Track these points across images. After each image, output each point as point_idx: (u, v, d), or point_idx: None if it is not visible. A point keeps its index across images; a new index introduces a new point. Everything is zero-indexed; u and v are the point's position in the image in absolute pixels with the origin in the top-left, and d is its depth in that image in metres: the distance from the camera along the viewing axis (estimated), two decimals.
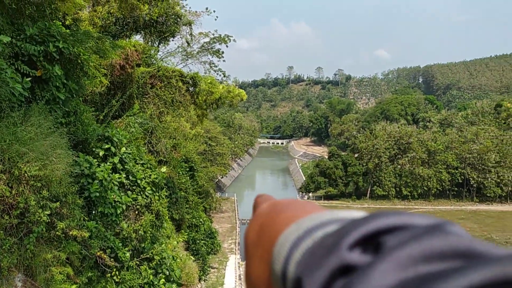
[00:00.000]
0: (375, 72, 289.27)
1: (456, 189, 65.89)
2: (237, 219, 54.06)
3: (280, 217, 0.40)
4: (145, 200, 12.86)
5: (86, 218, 10.43)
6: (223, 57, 24.54)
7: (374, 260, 0.26)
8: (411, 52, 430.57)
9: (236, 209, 58.80)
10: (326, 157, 78.17)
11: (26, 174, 8.29)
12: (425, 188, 63.93)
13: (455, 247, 0.25)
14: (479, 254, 0.25)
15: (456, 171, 64.54)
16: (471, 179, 63.79)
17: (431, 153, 65.66)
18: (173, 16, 20.40)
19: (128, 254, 11.85)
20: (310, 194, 67.14)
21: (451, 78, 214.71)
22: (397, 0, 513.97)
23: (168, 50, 23.08)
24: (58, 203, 9.24)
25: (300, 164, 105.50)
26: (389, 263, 0.25)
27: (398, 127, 73.02)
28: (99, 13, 16.81)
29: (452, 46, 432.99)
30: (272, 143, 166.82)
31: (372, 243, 0.29)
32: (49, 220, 8.92)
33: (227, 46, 24.68)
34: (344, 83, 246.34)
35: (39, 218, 8.58)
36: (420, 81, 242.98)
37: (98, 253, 10.75)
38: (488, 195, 63.59)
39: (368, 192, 65.98)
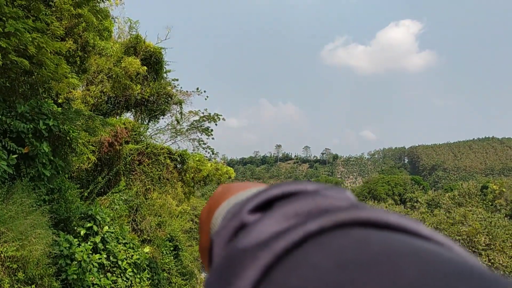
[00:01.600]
0: (362, 152, 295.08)
1: None
2: None
3: (223, 197, 0.48)
4: (125, 282, 12.26)
5: None
6: (212, 135, 24.87)
7: (259, 218, 0.34)
8: (395, 133, 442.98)
9: None
10: None
11: (2, 255, 7.92)
12: None
13: (318, 206, 0.33)
14: (332, 209, 0.32)
15: None
16: None
17: None
18: (164, 95, 20.91)
19: None
20: None
21: (436, 159, 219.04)
22: (380, 85, 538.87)
23: (157, 127, 23.40)
24: (33, 286, 8.76)
25: None
26: (268, 220, 0.32)
27: (386, 207, 72.68)
28: (92, 92, 17.16)
29: (435, 128, 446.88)
30: None
31: (269, 208, 0.35)
32: None
33: (216, 124, 25.12)
34: (331, 162, 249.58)
35: None
36: (405, 162, 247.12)
37: None
38: None
39: None
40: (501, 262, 62.13)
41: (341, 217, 0.30)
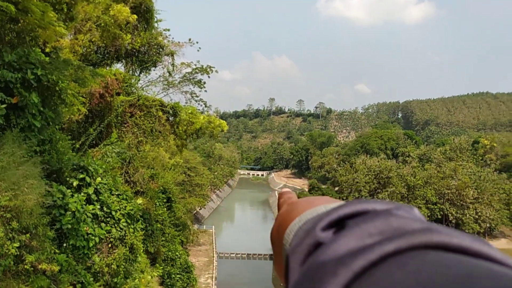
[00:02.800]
0: (356, 106, 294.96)
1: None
2: (214, 252, 52.98)
3: (291, 214, 0.50)
4: (119, 232, 12.45)
5: (56, 251, 10.00)
6: (204, 87, 24.57)
7: (334, 237, 0.36)
8: (390, 87, 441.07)
9: (214, 242, 57.71)
10: (307, 189, 78.11)
11: None
12: None
13: (392, 226, 0.35)
14: (407, 231, 0.34)
15: (435, 207, 65.03)
16: (450, 215, 64.27)
17: (410, 188, 66.16)
18: (155, 46, 20.44)
19: None
20: None
21: (430, 114, 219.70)
22: (376, 38, 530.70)
23: (149, 79, 23.03)
24: (27, 235, 8.85)
25: None
26: (344, 238, 0.35)
27: (378, 161, 73.55)
28: (81, 41, 16.70)
29: (430, 83, 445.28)
30: (253, 174, 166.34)
31: (341, 226, 0.38)
32: (18, 253, 8.52)
33: (209, 76, 24.76)
34: (325, 116, 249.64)
35: (7, 251, 8.19)
36: (399, 116, 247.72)
37: None
38: (467, 231, 63.59)
39: None
40: (488, 215, 63.96)
41: (417, 240, 0.32)
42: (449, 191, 65.22)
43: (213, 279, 41.95)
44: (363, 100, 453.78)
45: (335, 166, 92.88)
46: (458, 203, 64.73)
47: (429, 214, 64.32)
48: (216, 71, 25.44)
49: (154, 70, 22.39)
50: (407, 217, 0.37)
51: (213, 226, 65.20)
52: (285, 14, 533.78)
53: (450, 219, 64.51)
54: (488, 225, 64.39)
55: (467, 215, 63.59)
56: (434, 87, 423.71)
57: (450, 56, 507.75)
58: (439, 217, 65.02)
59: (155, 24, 20.27)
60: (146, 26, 19.25)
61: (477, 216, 64.00)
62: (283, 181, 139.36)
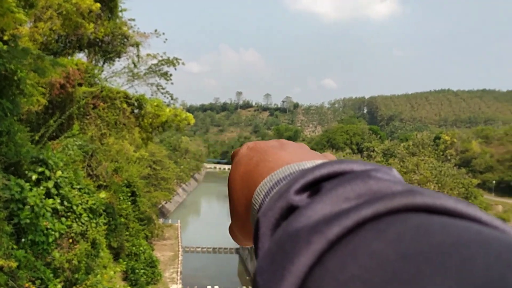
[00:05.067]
0: (322, 101, 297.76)
1: None
2: (180, 246, 52.62)
3: (260, 166, 0.47)
4: (81, 227, 12.10)
5: (14, 247, 9.65)
6: (171, 79, 24.20)
7: (310, 201, 0.32)
8: (356, 82, 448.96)
9: (179, 236, 57.25)
10: None
11: None
12: None
13: (370, 189, 0.31)
14: (386, 193, 0.30)
15: None
16: None
17: None
18: (119, 36, 19.93)
19: (59, 286, 11.02)
20: None
21: (394, 110, 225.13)
22: (343, 33, 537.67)
23: (113, 70, 22.44)
24: None
25: None
26: (320, 203, 0.31)
27: (344, 156, 74.80)
28: (41, 30, 16.05)
29: (395, 79, 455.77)
30: (219, 168, 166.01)
31: (316, 188, 0.34)
32: None
33: (175, 68, 24.41)
34: (292, 111, 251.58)
35: None
36: (365, 112, 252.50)
37: (27, 285, 9.91)
38: None
39: None
40: None
41: (397, 202, 0.29)
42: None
43: (178, 273, 41.59)
44: (329, 95, 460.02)
45: None
46: None
47: None
48: (183, 63, 25.12)
49: (118, 61, 21.87)
50: (386, 179, 0.34)
51: (179, 220, 64.57)
52: (253, 6, 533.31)
53: None
54: None
55: None
56: (399, 83, 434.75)
57: (413, 53, 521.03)
58: None
59: (120, 14, 19.73)
60: (110, 15, 18.71)
61: None
62: None
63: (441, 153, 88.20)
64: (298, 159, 0.46)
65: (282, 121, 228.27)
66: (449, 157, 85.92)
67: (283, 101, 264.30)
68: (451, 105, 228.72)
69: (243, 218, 0.47)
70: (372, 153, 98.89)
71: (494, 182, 78.46)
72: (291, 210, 0.34)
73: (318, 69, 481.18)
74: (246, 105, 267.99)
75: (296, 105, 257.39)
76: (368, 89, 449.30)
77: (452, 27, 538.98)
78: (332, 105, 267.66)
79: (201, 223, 78.13)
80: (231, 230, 0.52)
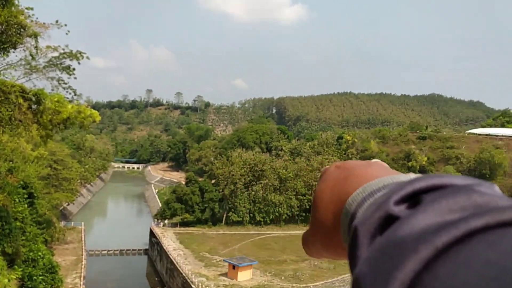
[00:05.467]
0: (233, 101, 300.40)
1: (304, 214, 70.68)
2: (83, 250, 49.90)
3: (348, 182, 0.50)
4: None
5: None
6: (74, 74, 22.82)
7: (412, 212, 0.34)
8: (266, 83, 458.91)
9: (83, 239, 54.29)
10: (184, 182, 77.63)
11: None
12: (276, 213, 67.24)
13: (475, 202, 0.33)
14: (493, 207, 0.32)
15: (304, 198, 69.54)
16: None
17: (282, 180, 69.67)
18: (15, 25, 18.33)
19: None
20: (166, 221, 65.56)
21: (301, 111, 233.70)
22: (253, 35, 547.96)
23: (8, 62, 20.62)
24: None
25: (157, 190, 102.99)
26: (423, 213, 0.33)
27: (253, 155, 75.97)
28: None
29: (302, 81, 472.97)
30: (128, 167, 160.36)
31: (415, 200, 0.36)
32: None
33: (79, 63, 23.04)
34: (203, 110, 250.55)
35: None
36: (273, 112, 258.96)
37: None
38: None
39: (224, 218, 66.94)
40: None
41: (507, 216, 0.30)
42: (316, 183, 70.12)
43: (82, 278, 39.43)
44: (240, 95, 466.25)
45: (212, 159, 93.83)
46: None
47: (298, 204, 68.58)
48: (88, 57, 23.77)
49: (13, 52, 20.11)
50: (490, 193, 0.35)
51: (83, 223, 61.24)
52: (162, 1, 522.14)
53: None
54: None
55: None
56: (306, 85, 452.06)
57: (319, 56, 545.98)
58: (307, 207, 69.62)
59: (15, 1, 18.18)
60: (4, 3, 17.14)
61: None
62: (159, 174, 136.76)
63: (344, 152, 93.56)
64: (386, 174, 0.48)
65: (193, 120, 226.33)
66: (350, 156, 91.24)
67: (194, 100, 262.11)
68: (352, 107, 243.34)
69: (328, 228, 0.49)
70: (280, 152, 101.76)
71: None
72: (389, 220, 0.36)
73: (229, 69, 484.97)
74: (157, 103, 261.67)
75: (207, 104, 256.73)
76: (277, 90, 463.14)
77: (352, 32, 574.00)
78: (243, 105, 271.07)
79: (107, 224, 74.83)
80: (306, 241, 0.54)
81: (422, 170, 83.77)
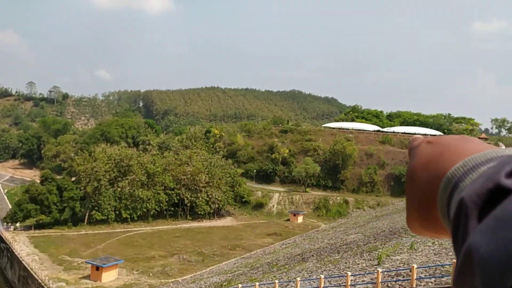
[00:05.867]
0: (96, 93, 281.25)
1: (172, 209, 69.87)
2: None
3: (445, 156, 0.48)
4: None
5: None
6: None
7: None
8: (132, 76, 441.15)
9: None
10: (38, 181, 70.84)
11: None
12: (144, 209, 65.33)
13: None
14: None
15: (173, 192, 68.73)
16: (185, 198, 69.00)
17: (150, 175, 67.91)
18: None
19: None
20: (18, 224, 59.11)
21: (169, 104, 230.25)
22: (117, 24, 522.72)
23: None
24: None
25: (6, 190, 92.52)
26: None
27: (119, 150, 72.98)
28: None
29: (170, 74, 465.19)
30: None
31: None
32: None
33: None
34: (60, 102, 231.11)
35: None
36: (140, 105, 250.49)
37: None
38: (199, 212, 69.87)
39: (86, 217, 62.89)
40: (217, 197, 71.43)
41: None
42: (185, 177, 69.94)
43: None
44: (104, 87, 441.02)
45: (72, 155, 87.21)
46: (192, 188, 70.08)
47: (167, 199, 67.57)
48: None
49: None
50: None
51: None
52: None
53: (185, 202, 69.25)
54: (217, 205, 71.88)
55: (200, 198, 69.54)
56: (174, 78, 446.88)
57: (187, 50, 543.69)
58: (176, 201, 69.02)
59: None
60: None
61: (208, 198, 70.65)
62: (9, 172, 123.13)
63: (211, 145, 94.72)
64: (487, 148, 0.46)
65: (49, 113, 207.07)
66: (218, 150, 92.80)
67: (50, 91, 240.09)
68: (220, 102, 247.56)
69: (424, 206, 0.49)
70: (148, 146, 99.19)
71: (254, 171, 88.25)
72: (500, 193, 0.35)
73: (91, 59, 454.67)
74: (4, 94, 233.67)
75: (65, 96, 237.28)
76: (144, 83, 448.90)
77: (220, 30, 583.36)
78: (107, 97, 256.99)
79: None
80: (408, 221, 0.53)
81: (284, 162, 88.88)
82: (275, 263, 34.83)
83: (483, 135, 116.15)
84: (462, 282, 0.34)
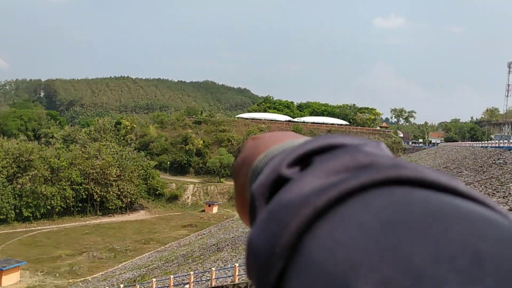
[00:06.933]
0: None
1: (80, 204, 66.14)
2: None
3: (258, 149, 0.49)
4: None
5: None
6: None
7: (300, 175, 0.35)
8: (32, 64, 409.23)
9: None
10: None
11: None
12: (48, 207, 61.01)
13: (358, 162, 0.34)
14: (372, 166, 0.33)
15: (80, 187, 65.03)
16: (95, 193, 65.64)
17: (54, 170, 63.68)
18: None
19: None
20: None
21: (74, 95, 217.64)
22: (13, 8, 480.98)
23: None
24: None
25: None
26: (310, 175, 0.33)
27: (17, 144, 68.00)
28: None
29: (75, 63, 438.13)
30: None
31: (308, 162, 0.36)
32: None
33: None
34: None
35: None
36: (42, 96, 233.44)
37: None
38: (110, 207, 67.03)
39: None
40: (129, 191, 69.04)
41: (382, 175, 0.31)
42: (94, 171, 66.64)
43: None
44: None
45: None
46: (102, 182, 67.02)
47: (74, 195, 63.91)
48: None
49: None
50: (374, 153, 0.36)
51: None
52: None
53: (95, 197, 66.04)
54: (129, 199, 69.61)
55: (111, 192, 66.76)
56: (79, 67, 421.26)
57: (96, 37, 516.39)
58: (84, 197, 65.56)
59: None
60: None
61: (119, 193, 68.09)
62: None
63: (122, 138, 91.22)
64: (293, 138, 0.49)
65: None
66: (129, 142, 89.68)
67: None
68: (130, 92, 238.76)
69: (242, 196, 0.50)
70: (51, 139, 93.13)
71: (168, 163, 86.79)
72: (283, 182, 0.36)
73: None
74: None
75: None
76: (46, 71, 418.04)
77: (130, 17, 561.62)
78: (3, 87, 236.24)
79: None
80: (237, 211, 0.55)
81: (198, 153, 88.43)
82: (190, 255, 34.65)
83: (384, 124, 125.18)
84: (248, 274, 0.35)
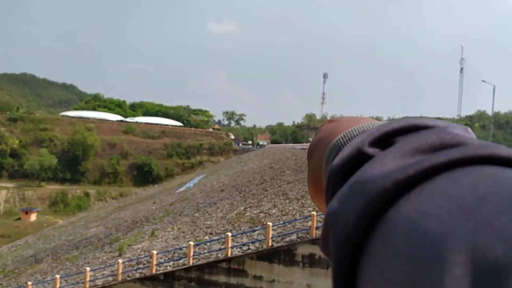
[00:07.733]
0: None
1: None
2: None
3: (335, 130, 0.51)
4: None
5: None
6: None
7: (384, 152, 0.35)
8: None
9: None
10: None
11: None
12: None
13: (446, 142, 0.33)
14: (460, 144, 0.33)
15: None
16: None
17: None
18: None
19: None
20: None
21: None
22: None
23: None
24: None
25: None
26: (394, 152, 0.34)
27: None
28: None
29: None
30: None
31: (390, 142, 0.37)
32: None
33: None
34: None
35: None
36: None
37: None
38: None
39: None
40: None
41: (471, 152, 0.30)
42: None
43: None
44: None
45: None
46: None
47: None
48: None
49: None
50: (462, 135, 0.35)
51: None
52: None
53: None
54: None
55: None
56: None
57: None
58: None
59: None
60: None
61: None
62: None
63: None
64: (372, 121, 0.49)
65: None
66: None
67: None
68: None
69: (317, 174, 0.50)
70: None
71: None
72: (365, 160, 0.36)
73: None
74: None
75: None
76: None
77: None
78: None
79: None
80: (309, 189, 0.55)
81: (13, 154, 79.17)
82: (1, 270, 30.48)
83: (217, 126, 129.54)
84: (325, 248, 0.35)
